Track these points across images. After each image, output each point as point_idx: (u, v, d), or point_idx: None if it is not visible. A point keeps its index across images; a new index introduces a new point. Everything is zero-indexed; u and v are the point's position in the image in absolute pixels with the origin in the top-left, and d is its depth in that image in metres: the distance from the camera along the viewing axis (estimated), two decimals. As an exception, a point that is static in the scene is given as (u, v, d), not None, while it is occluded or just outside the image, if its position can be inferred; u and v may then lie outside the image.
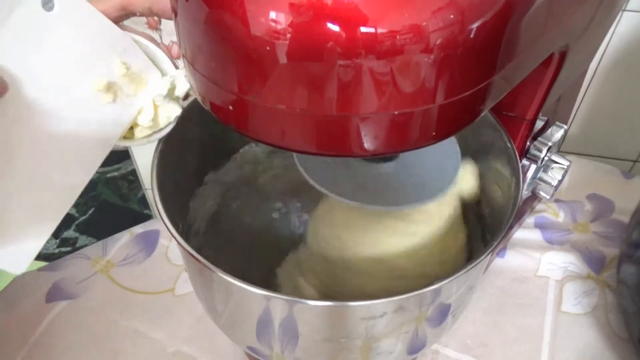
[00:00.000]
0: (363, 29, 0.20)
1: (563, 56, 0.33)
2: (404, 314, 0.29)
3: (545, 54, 0.29)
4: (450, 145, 0.38)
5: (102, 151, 0.31)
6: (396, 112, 0.21)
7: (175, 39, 0.68)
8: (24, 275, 0.53)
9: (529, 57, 0.26)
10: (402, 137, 0.23)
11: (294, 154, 0.35)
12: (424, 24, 0.20)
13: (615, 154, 0.68)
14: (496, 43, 0.22)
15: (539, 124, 0.41)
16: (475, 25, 0.20)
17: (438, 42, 0.20)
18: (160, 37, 0.71)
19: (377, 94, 0.21)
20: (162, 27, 0.69)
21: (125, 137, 0.32)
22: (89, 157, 0.30)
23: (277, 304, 0.28)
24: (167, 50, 0.33)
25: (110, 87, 0.30)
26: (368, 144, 0.23)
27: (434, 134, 0.23)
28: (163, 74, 0.33)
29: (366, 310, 0.27)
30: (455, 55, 0.21)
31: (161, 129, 0.33)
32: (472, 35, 0.21)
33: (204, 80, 0.23)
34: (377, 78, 0.21)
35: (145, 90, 0.31)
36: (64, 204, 0.30)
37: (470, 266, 0.27)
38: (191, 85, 0.25)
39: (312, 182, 0.34)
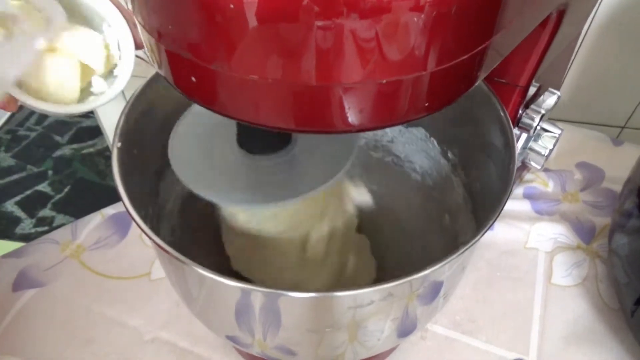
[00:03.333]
0: (344, -17, 0.17)
1: (561, 16, 0.30)
2: (393, 299, 0.27)
3: (545, 12, 0.26)
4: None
5: None
6: (384, 81, 0.19)
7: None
8: (-13, 263, 0.50)
9: (530, 15, 0.23)
10: (391, 110, 0.20)
11: (170, 156, 0.32)
12: (413, -23, 0.17)
13: (603, 120, 0.66)
14: (496, -2, 0.19)
15: (531, 90, 0.38)
16: (473, -22, 0.18)
17: (430, -2, 0.18)
18: (126, 2, 0.66)
19: (361, 60, 0.18)
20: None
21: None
22: None
23: (256, 296, 0.26)
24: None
25: (3, 20, 0.25)
26: (352, 118, 0.20)
27: (426, 104, 0.20)
28: (101, 20, 0.29)
29: (353, 300, 0.25)
30: (449, 13, 0.18)
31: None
32: (469, -10, 0.18)
33: (162, 47, 0.20)
34: (361, 41, 0.18)
35: (45, 31, 0.26)
36: None
37: (464, 249, 0.25)
38: (147, 53, 0.22)
39: (187, 184, 0.31)
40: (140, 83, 0.36)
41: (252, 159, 0.32)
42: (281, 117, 0.21)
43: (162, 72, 0.22)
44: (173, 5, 0.18)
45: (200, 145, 0.33)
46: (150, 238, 0.27)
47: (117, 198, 0.57)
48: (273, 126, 0.21)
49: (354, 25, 0.18)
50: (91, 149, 1.32)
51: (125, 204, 0.27)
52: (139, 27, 0.21)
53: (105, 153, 1.35)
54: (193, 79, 0.20)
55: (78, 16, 0.28)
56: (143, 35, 0.21)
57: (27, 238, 1.21)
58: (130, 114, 0.31)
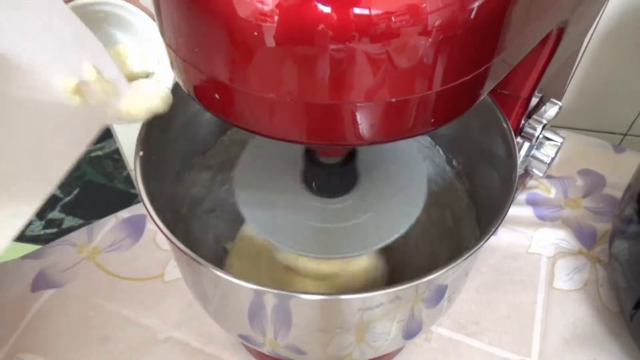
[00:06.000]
0: (356, 10, 0.18)
1: (561, 32, 0.32)
2: (400, 302, 0.28)
3: (545, 31, 0.27)
4: (418, 177, 0.35)
5: (67, 160, 0.29)
6: (393, 100, 0.20)
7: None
8: (6, 263, 0.52)
9: (530, 36, 0.24)
10: (399, 125, 0.21)
11: (235, 194, 0.33)
12: (421, 4, 0.19)
13: (605, 128, 0.67)
14: (499, 22, 0.20)
15: (533, 100, 0.40)
16: (477, 4, 0.19)
17: (437, 23, 0.19)
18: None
19: (372, 81, 0.20)
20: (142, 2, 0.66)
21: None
22: (53, 166, 0.28)
23: (269, 298, 0.27)
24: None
25: (79, 90, 0.27)
26: (363, 133, 0.21)
27: (432, 120, 0.22)
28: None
29: (362, 302, 0.27)
30: (455, 37, 0.19)
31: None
32: (473, 15, 0.19)
33: (187, 67, 0.22)
34: (372, 63, 0.19)
35: (114, 100, 0.29)
36: (19, 213, 0.28)
37: (467, 255, 0.27)
38: (173, 70, 0.24)
39: (252, 224, 0.32)
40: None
41: (316, 200, 0.33)
42: (295, 131, 0.22)
43: (185, 87, 0.24)
44: (199, 30, 0.20)
45: (264, 180, 0.34)
46: (170, 241, 0.28)
47: (124, 199, 0.58)
48: (288, 139, 0.23)
49: (365, 48, 0.19)
50: (99, 152, 1.34)
51: (148, 210, 0.29)
52: (164, 45, 0.23)
53: (113, 156, 1.36)
54: (216, 95, 0.22)
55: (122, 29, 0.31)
56: (168, 54, 0.23)
57: (36, 239, 1.23)
58: (150, 123, 0.32)
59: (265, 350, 0.36)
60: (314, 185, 0.33)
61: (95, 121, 0.29)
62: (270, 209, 0.33)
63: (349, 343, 0.33)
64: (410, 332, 0.34)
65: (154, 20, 0.31)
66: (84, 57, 0.27)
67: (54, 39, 0.26)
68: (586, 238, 0.53)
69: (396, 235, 0.32)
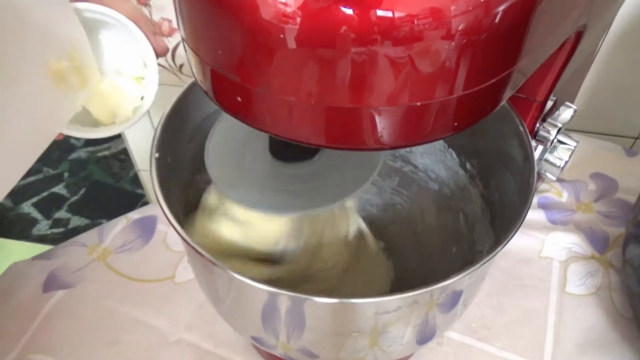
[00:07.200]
0: (379, 13, 0.18)
1: (579, 36, 0.31)
2: (417, 306, 0.28)
3: (566, 35, 0.27)
4: None
5: (41, 142, 0.29)
6: (417, 104, 0.20)
7: (166, 15, 0.65)
8: (17, 264, 0.52)
9: (553, 39, 0.24)
10: (420, 130, 0.21)
11: (206, 159, 0.33)
12: (445, 7, 0.18)
13: (617, 131, 0.67)
14: (523, 26, 0.20)
15: (548, 104, 0.39)
16: (501, 8, 0.19)
17: (460, 27, 0.19)
18: (150, 14, 0.68)
19: (394, 84, 0.20)
20: (151, 2, 0.66)
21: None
22: (27, 145, 0.28)
23: (284, 300, 0.27)
24: (157, 28, 0.32)
25: (61, 73, 0.28)
26: (383, 137, 0.21)
27: (455, 124, 0.22)
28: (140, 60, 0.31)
29: (378, 306, 0.27)
30: (479, 41, 0.19)
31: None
32: (497, 20, 0.19)
33: (209, 70, 0.22)
34: (394, 67, 0.19)
35: (86, 90, 0.30)
36: None
37: (484, 261, 0.26)
38: (194, 73, 0.24)
39: (218, 187, 0.32)
40: (164, 91, 0.38)
41: (281, 167, 0.33)
42: (317, 135, 0.22)
43: (206, 91, 0.24)
44: (222, 33, 0.20)
45: (234, 150, 0.35)
46: (186, 242, 0.28)
47: (131, 199, 0.58)
48: (309, 143, 0.22)
49: (388, 51, 0.19)
50: (106, 152, 1.35)
51: (165, 213, 0.29)
52: (186, 49, 0.23)
53: (120, 156, 1.37)
54: (239, 99, 0.22)
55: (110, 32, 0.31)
56: (190, 57, 0.23)
57: (43, 239, 1.23)
58: (165, 125, 0.32)
59: (277, 352, 0.36)
60: (279, 151, 0.33)
61: (68, 108, 0.30)
62: (237, 173, 0.33)
63: (362, 347, 0.32)
64: (425, 337, 0.33)
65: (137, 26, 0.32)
66: (67, 42, 0.28)
67: (43, 22, 0.26)
68: (598, 242, 0.52)
69: (355, 192, 0.32)
